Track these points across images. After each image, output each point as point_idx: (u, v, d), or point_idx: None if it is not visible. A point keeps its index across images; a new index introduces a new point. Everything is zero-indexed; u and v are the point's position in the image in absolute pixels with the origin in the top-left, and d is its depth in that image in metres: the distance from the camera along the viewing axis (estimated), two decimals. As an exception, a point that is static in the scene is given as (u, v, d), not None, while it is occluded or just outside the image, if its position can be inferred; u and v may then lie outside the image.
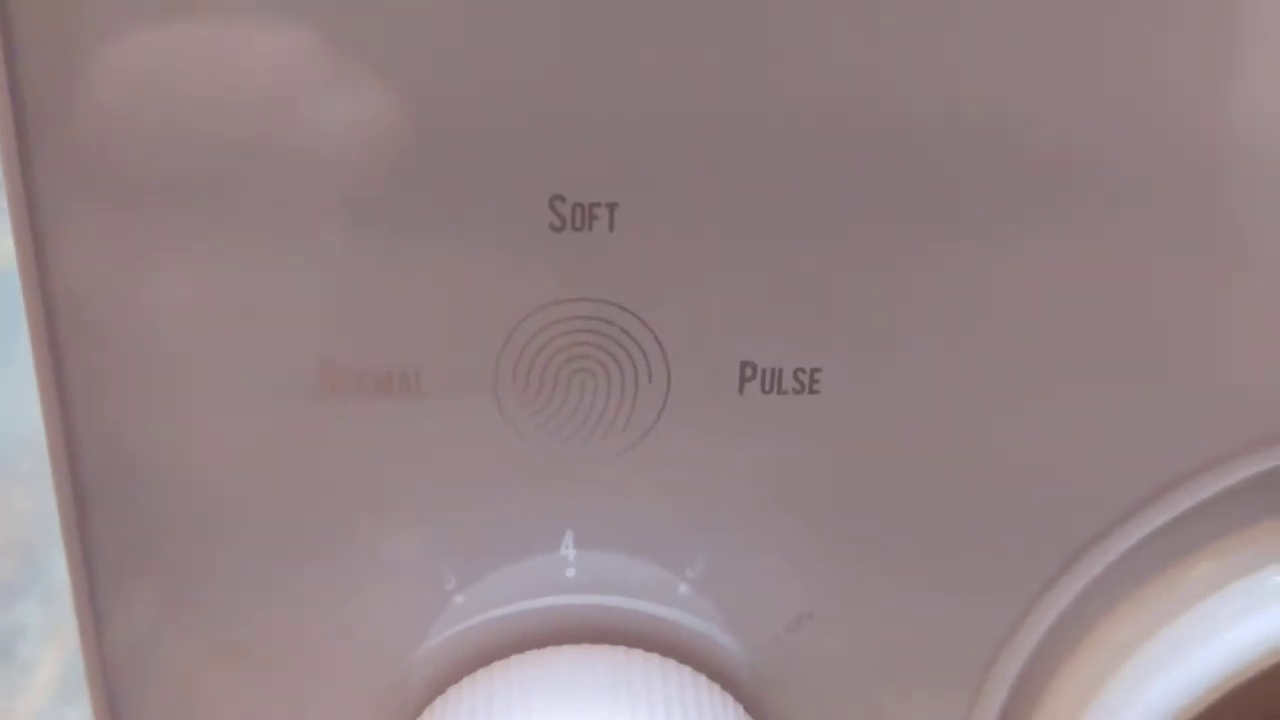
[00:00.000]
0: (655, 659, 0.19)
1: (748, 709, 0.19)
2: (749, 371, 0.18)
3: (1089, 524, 0.19)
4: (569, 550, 0.19)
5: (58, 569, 0.46)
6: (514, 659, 0.19)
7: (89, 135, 0.16)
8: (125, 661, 0.19)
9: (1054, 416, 0.18)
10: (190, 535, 0.18)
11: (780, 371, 0.18)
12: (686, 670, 0.19)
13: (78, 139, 0.16)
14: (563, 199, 0.17)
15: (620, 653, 0.19)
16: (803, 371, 0.18)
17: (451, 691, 0.19)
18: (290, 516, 0.18)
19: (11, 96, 0.16)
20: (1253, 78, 0.16)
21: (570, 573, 0.19)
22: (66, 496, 0.18)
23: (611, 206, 0.17)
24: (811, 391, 0.18)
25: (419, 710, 0.19)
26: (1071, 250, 0.17)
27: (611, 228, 0.17)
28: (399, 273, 0.17)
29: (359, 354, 0.17)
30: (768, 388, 0.18)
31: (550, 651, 0.19)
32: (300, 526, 0.18)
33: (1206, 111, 0.16)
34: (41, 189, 0.16)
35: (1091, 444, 0.18)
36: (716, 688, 0.19)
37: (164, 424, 0.18)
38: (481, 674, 0.19)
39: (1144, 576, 0.19)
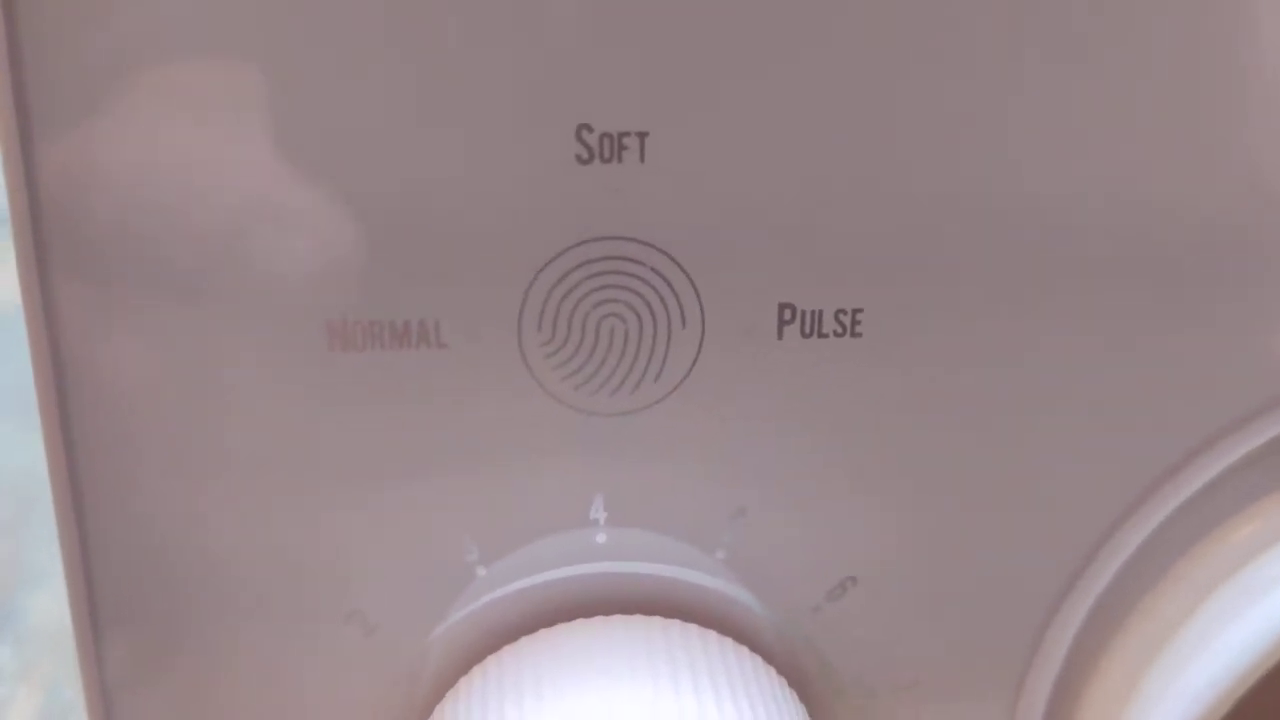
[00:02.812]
0: (693, 629, 0.18)
1: (787, 681, 0.18)
2: (788, 314, 0.17)
3: (1133, 482, 0.18)
4: (599, 515, 0.17)
5: (31, 612, 0.45)
6: (542, 634, 0.17)
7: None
8: (129, 658, 0.18)
9: (1097, 362, 0.17)
10: (198, 513, 0.17)
11: (820, 314, 0.17)
12: (728, 641, 0.18)
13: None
14: (590, 128, 0.16)
15: (656, 624, 0.17)
16: (844, 313, 0.17)
17: (476, 671, 0.17)
18: (296, 482, 0.17)
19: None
20: None
21: (600, 539, 0.18)
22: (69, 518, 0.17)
23: (642, 136, 0.16)
24: (853, 335, 0.17)
25: (440, 694, 0.18)
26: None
27: (642, 159, 0.16)
28: (414, 214, 0.16)
29: (374, 303, 0.16)
30: (808, 331, 0.17)
31: (580, 624, 0.17)
32: (306, 492, 0.17)
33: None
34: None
35: (1129, 401, 0.17)
36: (758, 658, 0.18)
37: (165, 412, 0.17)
38: (507, 651, 0.17)
39: (1186, 544, 0.19)
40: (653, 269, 0.16)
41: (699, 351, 0.17)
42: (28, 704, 0.41)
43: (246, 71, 0.15)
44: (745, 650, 0.18)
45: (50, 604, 0.43)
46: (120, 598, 0.17)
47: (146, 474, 0.17)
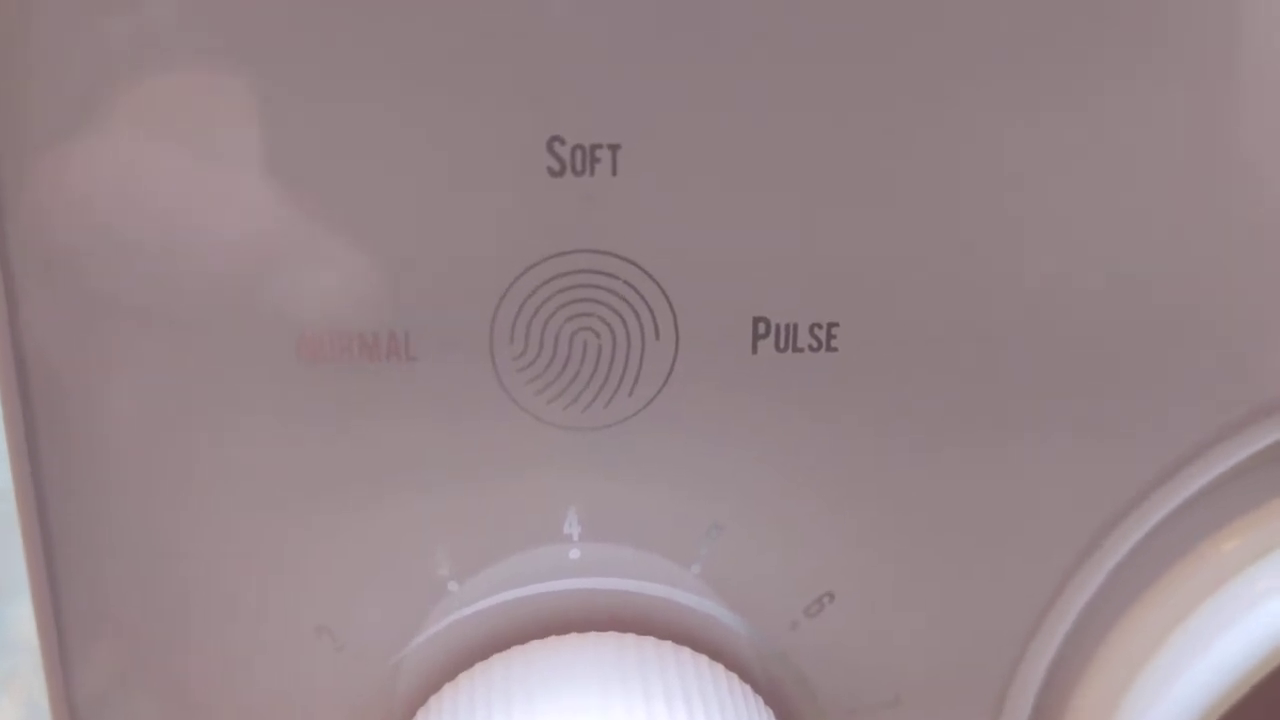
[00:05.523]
0: (667, 646, 0.17)
1: (765, 699, 0.18)
2: (762, 328, 0.16)
3: (1115, 497, 0.18)
4: (572, 530, 0.17)
5: (11, 621, 0.44)
6: (515, 650, 0.17)
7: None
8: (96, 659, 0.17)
9: (1078, 376, 0.17)
10: (165, 526, 0.17)
11: (795, 328, 0.16)
12: (703, 658, 0.17)
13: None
14: (562, 140, 0.15)
15: (629, 640, 0.17)
16: (819, 327, 0.16)
17: (447, 689, 0.17)
18: (263, 494, 0.17)
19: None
20: None
21: (574, 555, 0.17)
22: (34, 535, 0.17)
23: (614, 148, 0.16)
24: (829, 349, 0.17)
25: (413, 711, 0.18)
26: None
27: (615, 171, 0.16)
28: (384, 224, 0.16)
29: (342, 314, 0.16)
30: (782, 345, 0.16)
31: (553, 641, 0.17)
32: (274, 504, 0.17)
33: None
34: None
35: (1110, 414, 0.17)
36: (734, 677, 0.17)
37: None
38: (479, 668, 0.17)
39: (1171, 557, 0.18)
40: (626, 282, 0.16)
41: (673, 365, 0.17)
42: (9, 713, 0.40)
43: (211, 90, 0.15)
44: (722, 668, 0.18)
45: (31, 614, 0.43)
46: (87, 611, 0.17)
47: (114, 486, 0.17)
